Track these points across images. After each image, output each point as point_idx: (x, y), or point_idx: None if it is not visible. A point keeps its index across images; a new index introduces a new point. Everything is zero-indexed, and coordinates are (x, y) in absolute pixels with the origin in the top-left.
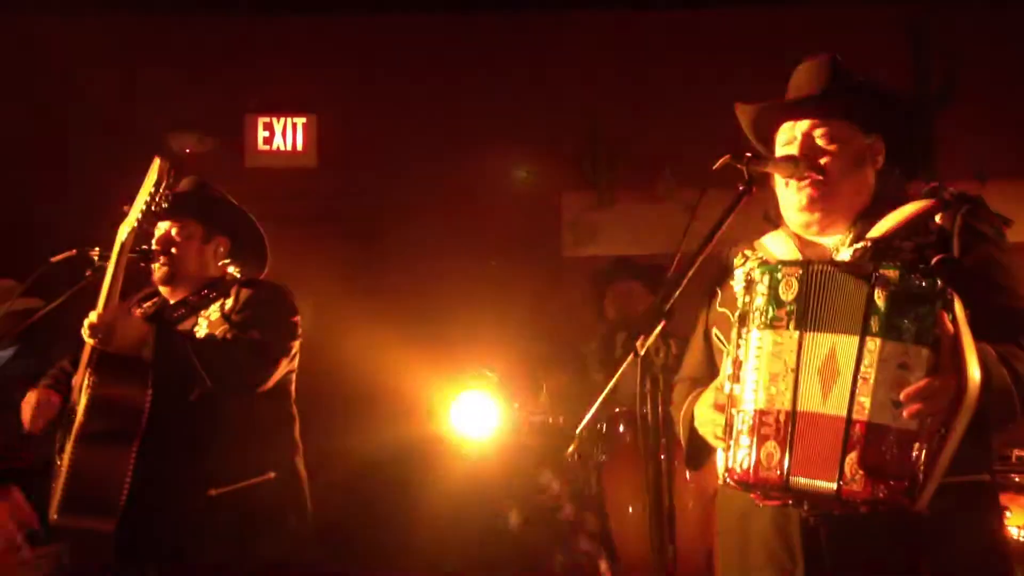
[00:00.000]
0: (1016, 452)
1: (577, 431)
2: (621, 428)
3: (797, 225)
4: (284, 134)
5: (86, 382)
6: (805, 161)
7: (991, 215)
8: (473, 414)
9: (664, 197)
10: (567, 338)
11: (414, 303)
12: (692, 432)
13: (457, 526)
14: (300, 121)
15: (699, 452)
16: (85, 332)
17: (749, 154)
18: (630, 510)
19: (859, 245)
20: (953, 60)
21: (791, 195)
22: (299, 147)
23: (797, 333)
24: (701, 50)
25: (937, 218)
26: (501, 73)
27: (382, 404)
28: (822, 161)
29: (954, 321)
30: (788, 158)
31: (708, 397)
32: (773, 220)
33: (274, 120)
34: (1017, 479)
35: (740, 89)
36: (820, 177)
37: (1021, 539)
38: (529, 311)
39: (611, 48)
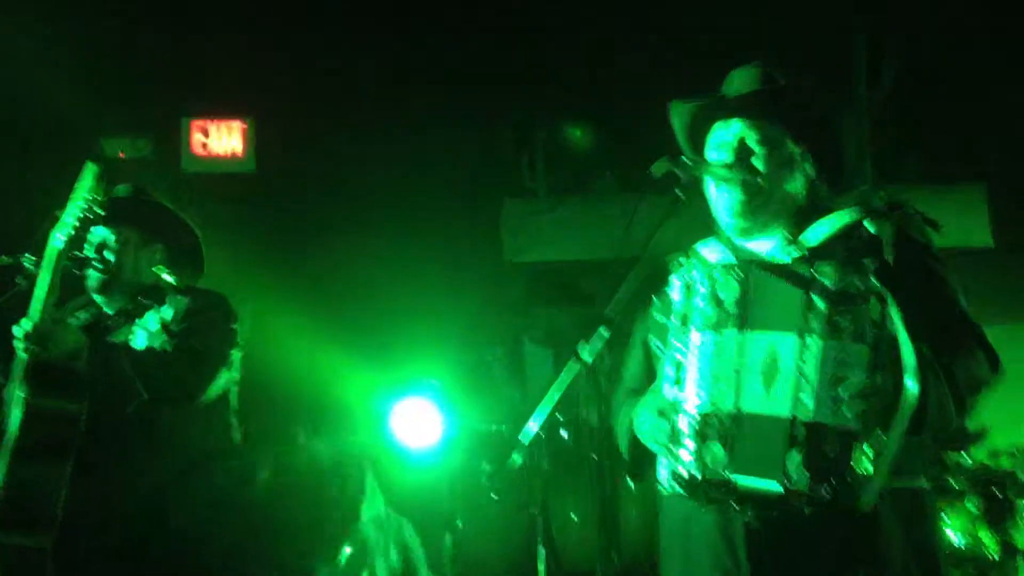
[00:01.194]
0: (953, 458)
1: (521, 436)
2: (564, 435)
3: (730, 228)
4: (221, 138)
5: (18, 394)
6: (739, 163)
7: (921, 221)
8: (414, 422)
9: (604, 201)
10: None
11: (355, 310)
12: (633, 442)
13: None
14: (237, 125)
15: (641, 462)
16: (17, 342)
17: (686, 157)
18: (573, 518)
19: (795, 251)
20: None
21: (722, 198)
22: (237, 151)
23: (738, 333)
24: (643, 53)
25: (869, 226)
26: (441, 79)
27: (322, 412)
28: (753, 161)
29: (890, 321)
30: (726, 163)
31: (649, 403)
32: (710, 227)
33: (211, 124)
34: (955, 485)
35: (680, 93)
36: (752, 179)
37: (958, 544)
38: (472, 317)
39: (552, 51)
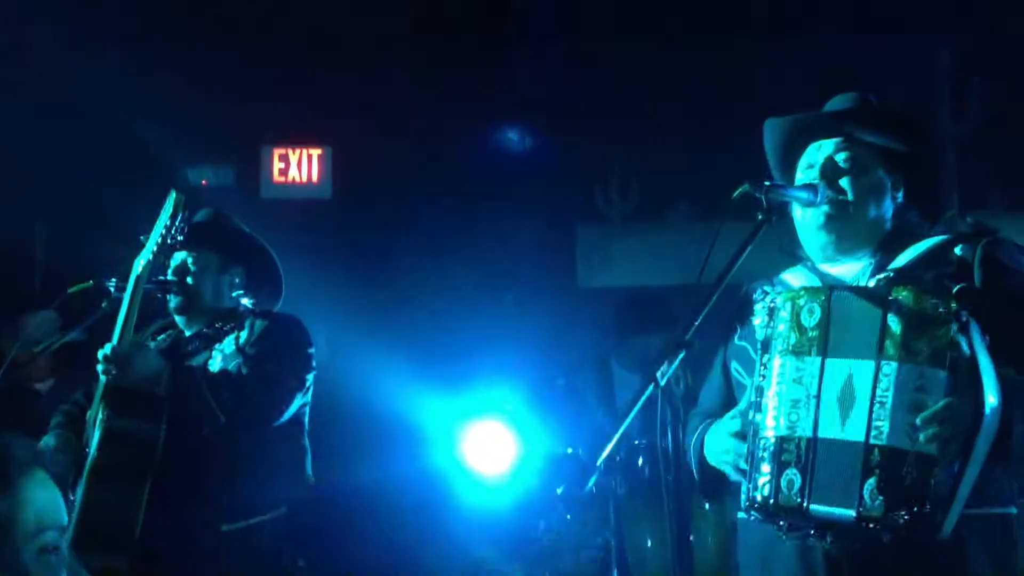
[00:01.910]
0: None
1: (598, 463)
2: (640, 462)
3: (815, 250)
4: (299, 165)
5: (99, 416)
6: (825, 181)
7: (1011, 246)
8: (487, 446)
9: (678, 229)
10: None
11: (428, 335)
12: (703, 463)
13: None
14: (316, 152)
15: (713, 483)
16: (100, 364)
17: (768, 183)
18: (648, 544)
19: (881, 276)
20: (991, 95)
21: (808, 217)
22: (314, 178)
23: (819, 359)
24: (718, 81)
25: (957, 250)
26: (515, 105)
27: (395, 436)
28: (842, 182)
29: (971, 344)
30: (807, 186)
31: (724, 426)
32: (788, 252)
33: (290, 151)
34: None
35: (758, 121)
36: (839, 197)
37: None
38: (545, 342)
39: (628, 80)
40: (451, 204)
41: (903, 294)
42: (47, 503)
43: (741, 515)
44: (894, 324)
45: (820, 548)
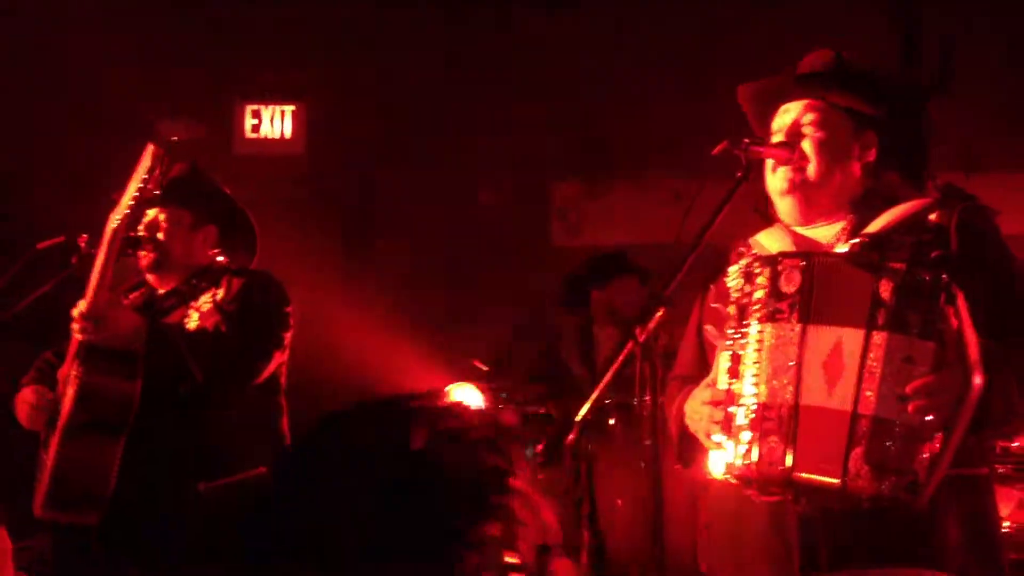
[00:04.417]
0: (1001, 444)
1: (578, 418)
2: (612, 420)
3: (783, 213)
4: (272, 121)
5: (73, 374)
6: (786, 146)
7: (987, 212)
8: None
9: (653, 185)
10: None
11: (402, 292)
12: (683, 429)
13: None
14: (288, 108)
15: (689, 449)
16: (73, 323)
17: (747, 140)
18: (619, 503)
19: (856, 240)
20: (947, 47)
21: (774, 180)
22: (287, 134)
23: (800, 326)
24: (693, 37)
25: (933, 215)
26: (491, 62)
27: (370, 394)
28: (803, 145)
29: (958, 316)
30: (784, 144)
31: (700, 394)
32: (763, 213)
33: (262, 107)
34: (1001, 470)
35: (732, 78)
36: (798, 162)
37: (1005, 529)
38: (519, 300)
39: (604, 36)
40: (424, 161)
41: (895, 263)
42: None
43: (713, 476)
44: (885, 293)
45: (793, 510)
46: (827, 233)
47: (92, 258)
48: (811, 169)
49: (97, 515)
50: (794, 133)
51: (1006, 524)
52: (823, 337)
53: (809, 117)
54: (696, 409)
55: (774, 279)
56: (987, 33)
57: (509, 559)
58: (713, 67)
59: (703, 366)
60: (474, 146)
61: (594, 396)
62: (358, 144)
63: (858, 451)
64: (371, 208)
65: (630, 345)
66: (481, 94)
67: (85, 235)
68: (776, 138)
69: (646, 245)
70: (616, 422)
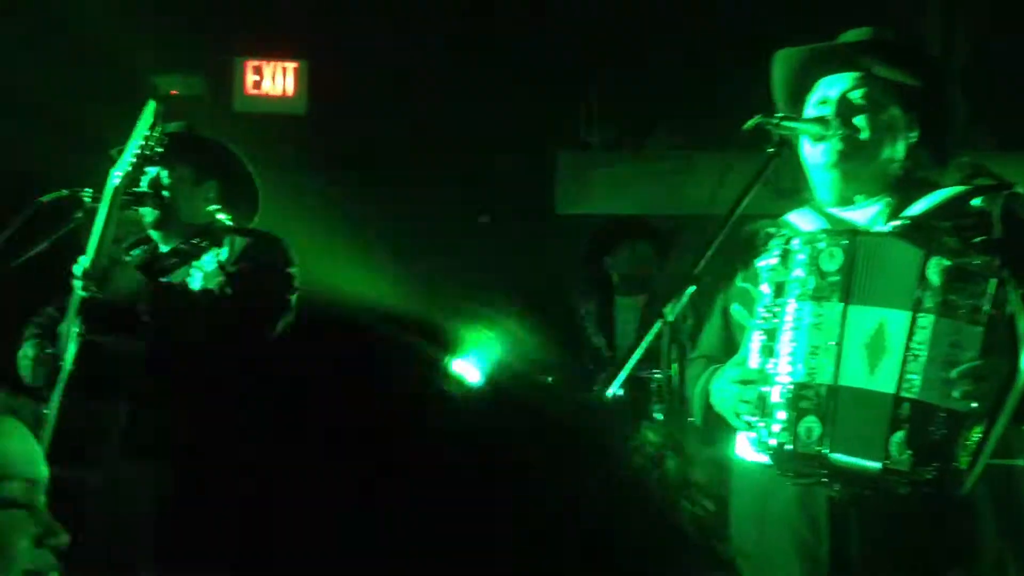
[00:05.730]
0: None
1: (609, 394)
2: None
3: (824, 190)
4: (274, 78)
5: (74, 330)
6: (840, 119)
7: None
8: (463, 368)
9: (660, 157)
10: (560, 298)
11: (404, 255)
12: (707, 410)
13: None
14: (291, 66)
15: (714, 430)
16: (75, 280)
17: (779, 115)
18: None
19: (897, 222)
20: (981, 29)
21: (819, 154)
22: (289, 92)
23: (841, 305)
24: (702, 7)
25: (975, 201)
26: (496, 26)
27: (374, 354)
28: (856, 120)
29: (1007, 302)
30: (820, 119)
31: (729, 373)
32: (787, 194)
33: (264, 64)
34: None
35: (740, 49)
36: (853, 134)
37: None
38: (521, 268)
39: (609, 2)
40: (428, 123)
41: (943, 246)
42: (16, 453)
43: (737, 458)
44: (933, 276)
45: (824, 495)
46: (864, 214)
47: (94, 213)
48: (860, 144)
49: (100, 473)
50: (846, 105)
51: None
52: (866, 318)
53: (861, 91)
54: (725, 388)
55: (814, 257)
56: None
57: None
58: (719, 36)
59: (728, 346)
60: (479, 111)
61: (625, 372)
62: (361, 103)
63: (900, 435)
64: (373, 169)
65: (656, 323)
66: (486, 59)
67: (88, 190)
68: (822, 110)
69: (650, 216)
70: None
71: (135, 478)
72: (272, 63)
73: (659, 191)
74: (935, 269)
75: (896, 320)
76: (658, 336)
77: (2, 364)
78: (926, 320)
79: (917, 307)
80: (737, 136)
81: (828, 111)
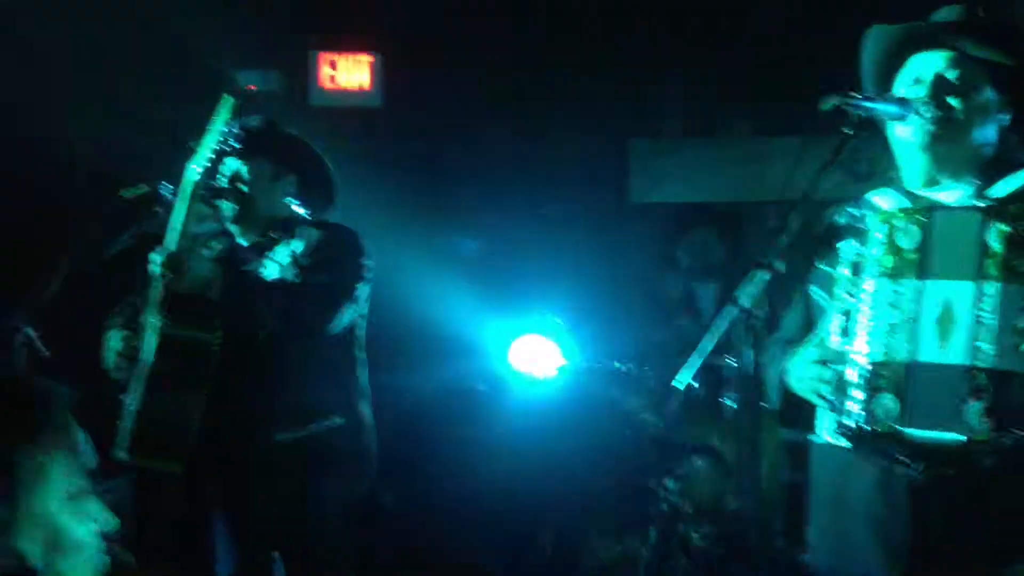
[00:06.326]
0: None
1: (682, 385)
2: (696, 383)
3: (912, 171)
4: (350, 72)
5: (154, 322)
6: (933, 100)
7: None
8: (532, 360)
9: (734, 144)
10: (637, 284)
11: (480, 246)
12: (785, 391)
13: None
14: (366, 59)
15: (794, 411)
16: (154, 268)
17: (855, 95)
18: (699, 464)
19: (980, 203)
20: None
21: (910, 135)
22: (365, 85)
23: (917, 282)
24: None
25: None
26: (570, 15)
27: (443, 344)
28: (951, 100)
29: None
30: (899, 100)
31: (808, 353)
32: (863, 177)
33: (340, 57)
34: None
35: (812, 36)
36: (948, 115)
37: None
38: (595, 256)
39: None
40: (503, 115)
41: (1003, 215)
42: (74, 448)
43: (815, 439)
44: (994, 244)
45: (904, 477)
46: (950, 195)
47: (172, 207)
48: (954, 125)
49: (179, 464)
50: (941, 85)
51: None
52: (937, 292)
53: (956, 72)
54: (804, 369)
55: (891, 236)
56: None
57: None
58: (790, 21)
59: (807, 329)
60: (554, 100)
61: (701, 359)
62: (436, 97)
63: (977, 405)
64: (446, 160)
65: (729, 310)
66: (560, 48)
67: (169, 184)
68: (916, 90)
69: (724, 203)
70: (700, 384)
71: None
72: (348, 56)
73: (733, 178)
74: (995, 236)
75: (961, 290)
76: (732, 323)
77: (88, 356)
78: (992, 288)
79: (981, 276)
80: (811, 120)
81: (922, 91)
